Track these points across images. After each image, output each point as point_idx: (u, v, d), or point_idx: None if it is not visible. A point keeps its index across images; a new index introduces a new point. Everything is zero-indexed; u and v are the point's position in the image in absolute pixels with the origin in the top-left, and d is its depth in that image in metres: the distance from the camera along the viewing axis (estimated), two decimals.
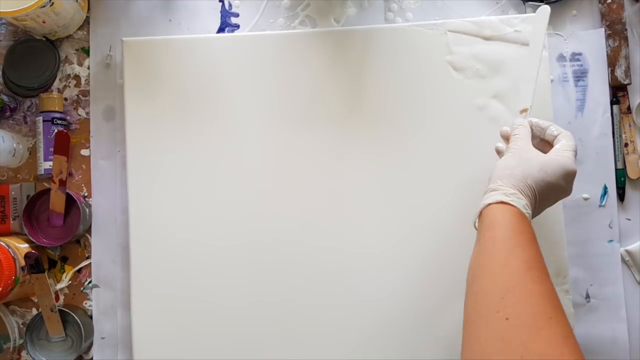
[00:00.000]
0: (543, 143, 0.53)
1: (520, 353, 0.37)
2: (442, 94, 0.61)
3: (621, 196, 0.62)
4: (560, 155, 0.50)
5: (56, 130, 0.61)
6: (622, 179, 0.62)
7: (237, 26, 0.64)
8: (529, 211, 0.47)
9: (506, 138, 0.54)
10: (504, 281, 0.42)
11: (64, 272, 0.62)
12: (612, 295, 0.61)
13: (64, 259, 0.62)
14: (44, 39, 0.63)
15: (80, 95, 0.64)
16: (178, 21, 0.64)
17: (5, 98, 0.62)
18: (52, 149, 0.60)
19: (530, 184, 0.48)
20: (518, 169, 0.49)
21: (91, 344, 0.61)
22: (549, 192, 0.49)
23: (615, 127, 0.62)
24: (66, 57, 0.64)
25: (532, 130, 0.53)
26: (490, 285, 0.42)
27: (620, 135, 0.62)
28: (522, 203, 0.47)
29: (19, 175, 0.63)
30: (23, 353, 0.61)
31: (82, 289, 0.62)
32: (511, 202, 0.46)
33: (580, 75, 0.63)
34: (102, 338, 0.61)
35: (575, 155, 0.51)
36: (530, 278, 0.41)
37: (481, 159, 0.60)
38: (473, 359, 0.39)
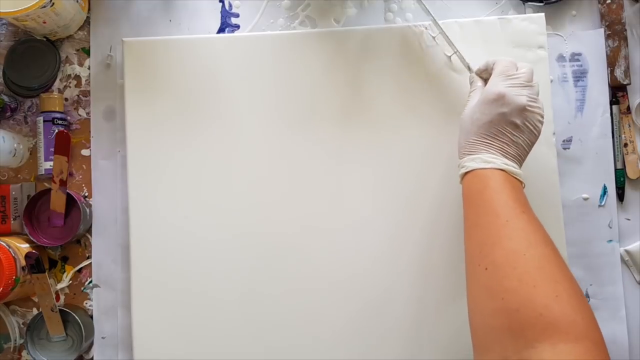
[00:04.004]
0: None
1: (500, 294, 0.41)
2: (442, 94, 0.61)
3: (621, 196, 0.62)
4: (488, 87, 0.51)
5: (57, 131, 0.61)
6: (622, 179, 0.62)
7: (238, 26, 0.64)
8: (487, 163, 0.49)
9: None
10: (479, 235, 0.46)
11: (65, 272, 0.62)
12: (611, 295, 0.61)
13: (65, 259, 0.62)
14: (45, 39, 0.63)
15: (80, 96, 0.64)
16: (178, 21, 0.65)
17: (5, 98, 0.62)
18: (52, 149, 0.61)
19: (480, 134, 0.50)
20: (469, 127, 0.51)
21: (92, 344, 0.61)
22: (500, 129, 0.49)
23: (614, 127, 0.63)
24: (67, 57, 0.64)
25: (482, 78, 0.54)
26: (469, 242, 0.48)
27: (619, 136, 0.63)
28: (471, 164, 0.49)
29: (19, 175, 0.63)
30: (23, 353, 0.61)
31: (82, 288, 0.62)
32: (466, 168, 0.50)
33: (579, 76, 0.63)
34: (103, 338, 0.61)
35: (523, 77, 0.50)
36: (503, 226, 0.45)
37: None
38: (470, 309, 0.45)
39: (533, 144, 0.51)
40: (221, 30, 0.64)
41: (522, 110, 0.49)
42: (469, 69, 0.57)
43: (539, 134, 0.51)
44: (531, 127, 0.50)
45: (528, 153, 0.51)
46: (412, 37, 0.62)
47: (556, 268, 0.42)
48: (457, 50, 0.58)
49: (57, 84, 0.64)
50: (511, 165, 0.49)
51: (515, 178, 0.49)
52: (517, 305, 0.40)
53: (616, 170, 0.62)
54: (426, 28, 0.61)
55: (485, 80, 0.54)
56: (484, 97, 0.50)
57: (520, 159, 0.50)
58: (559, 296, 0.40)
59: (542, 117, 0.50)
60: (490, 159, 0.49)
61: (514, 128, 0.49)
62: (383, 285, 0.59)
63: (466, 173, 0.50)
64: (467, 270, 0.47)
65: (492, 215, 0.46)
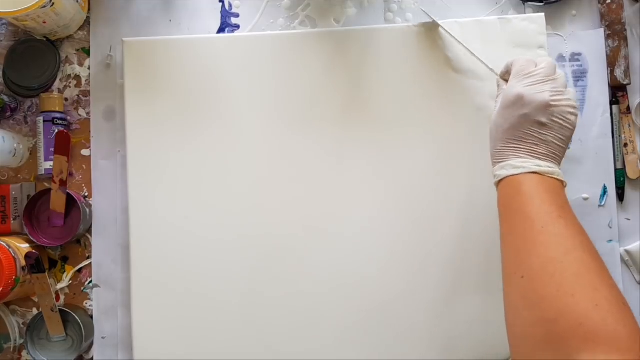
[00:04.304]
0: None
1: (538, 303, 0.40)
2: (442, 94, 0.61)
3: (621, 196, 0.62)
4: (506, 90, 0.49)
5: (57, 131, 0.61)
6: (622, 179, 0.62)
7: (238, 26, 0.64)
8: (519, 168, 0.47)
9: None
10: (514, 243, 0.45)
11: (65, 272, 0.62)
12: None
13: (65, 259, 0.62)
14: (45, 39, 0.63)
15: (80, 96, 0.64)
16: (178, 21, 0.65)
17: (5, 98, 0.62)
18: (52, 149, 0.61)
19: (506, 140, 0.48)
20: (496, 134, 0.49)
21: (92, 344, 0.61)
22: (526, 131, 0.47)
23: (614, 127, 0.63)
24: (67, 57, 0.64)
25: (506, 81, 0.52)
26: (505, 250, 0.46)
27: (619, 136, 0.63)
28: (504, 172, 0.48)
29: (19, 175, 0.63)
30: (23, 353, 0.61)
31: (82, 288, 0.62)
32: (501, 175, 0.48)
33: (579, 76, 0.63)
34: (103, 338, 0.61)
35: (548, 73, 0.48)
36: (539, 232, 0.43)
37: (481, 159, 0.60)
38: (507, 318, 0.43)
39: (568, 138, 0.48)
40: (221, 30, 0.64)
41: (546, 106, 0.47)
42: (494, 72, 0.55)
43: (574, 126, 0.48)
44: (561, 122, 0.47)
45: (565, 148, 0.48)
46: (412, 37, 0.62)
47: (595, 275, 0.40)
48: (479, 57, 0.57)
49: (57, 84, 0.64)
50: (545, 166, 0.46)
51: (553, 178, 0.46)
52: (555, 315, 0.38)
53: (616, 170, 0.62)
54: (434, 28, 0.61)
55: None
56: (504, 102, 0.49)
57: (555, 157, 0.48)
58: (598, 305, 0.38)
59: (574, 108, 0.48)
60: (519, 164, 0.47)
61: (540, 127, 0.47)
62: (384, 286, 0.59)
63: (500, 181, 0.48)
64: (504, 279, 0.45)
65: (527, 222, 0.44)
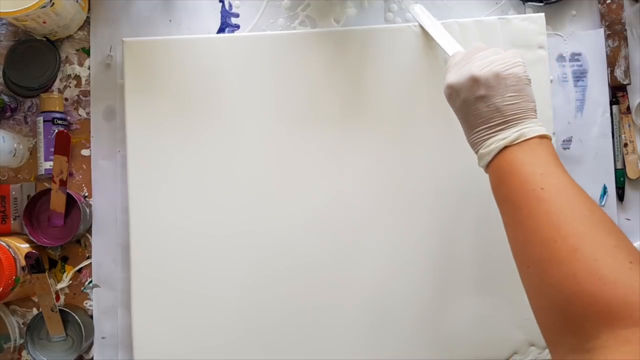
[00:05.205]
0: None
1: (545, 291, 0.38)
2: (442, 94, 0.61)
3: (620, 196, 0.62)
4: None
5: (57, 131, 0.61)
6: (622, 179, 0.62)
7: (237, 26, 0.64)
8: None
9: None
10: (511, 234, 0.43)
11: (65, 272, 0.62)
12: None
13: (65, 259, 0.62)
14: (45, 39, 0.63)
15: (80, 96, 0.64)
16: (178, 21, 0.65)
17: (5, 98, 0.62)
18: (52, 149, 0.60)
19: (466, 128, 0.47)
20: (462, 126, 0.48)
21: (92, 344, 0.61)
22: (474, 112, 0.46)
23: (614, 127, 0.63)
24: (67, 57, 0.64)
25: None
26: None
27: (619, 136, 0.63)
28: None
29: (19, 175, 0.63)
30: (23, 353, 0.61)
31: (82, 288, 0.62)
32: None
33: (579, 76, 0.63)
34: (103, 338, 0.61)
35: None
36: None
37: None
38: (532, 310, 0.40)
39: (520, 88, 0.45)
40: (221, 30, 0.64)
41: (474, 80, 0.45)
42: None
43: (518, 77, 0.45)
44: (496, 83, 0.45)
45: (528, 100, 0.45)
46: (412, 37, 0.62)
47: (592, 242, 0.37)
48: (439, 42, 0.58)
49: (57, 84, 0.64)
50: (510, 134, 0.44)
51: (524, 141, 0.43)
52: (564, 301, 0.36)
53: (616, 170, 0.62)
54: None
55: None
56: (447, 99, 0.49)
57: (519, 117, 0.44)
58: (602, 278, 0.35)
59: (507, 61, 0.45)
60: (487, 148, 0.45)
61: (483, 100, 0.45)
62: (385, 285, 0.59)
63: (486, 170, 0.46)
64: (518, 271, 0.43)
65: (515, 210, 0.42)
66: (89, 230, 0.62)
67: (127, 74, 0.61)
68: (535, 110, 0.46)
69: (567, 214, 0.39)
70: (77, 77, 0.64)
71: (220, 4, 0.65)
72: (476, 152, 0.47)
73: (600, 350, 0.34)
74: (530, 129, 0.44)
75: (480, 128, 0.46)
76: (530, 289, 0.40)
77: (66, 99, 0.64)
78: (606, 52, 0.63)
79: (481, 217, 0.60)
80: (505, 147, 0.44)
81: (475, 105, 0.46)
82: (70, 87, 0.64)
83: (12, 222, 0.62)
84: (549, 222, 0.39)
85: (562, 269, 0.37)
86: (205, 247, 0.60)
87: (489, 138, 0.45)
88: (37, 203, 0.60)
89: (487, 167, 0.46)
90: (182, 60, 0.61)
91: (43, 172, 0.62)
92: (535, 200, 0.41)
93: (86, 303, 0.62)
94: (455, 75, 0.47)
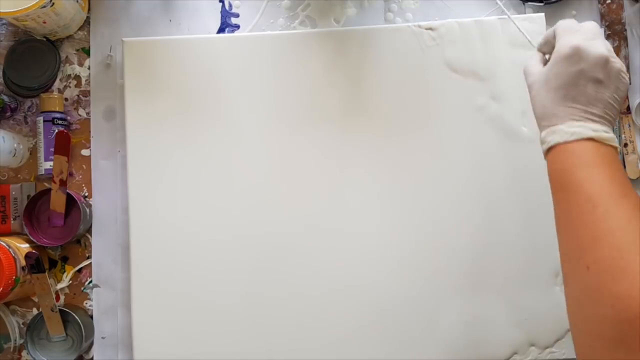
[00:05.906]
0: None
1: (609, 300, 0.36)
2: (442, 94, 0.61)
3: None
4: (558, 45, 0.45)
5: (57, 131, 0.61)
6: None
7: (237, 26, 0.64)
8: (574, 130, 0.42)
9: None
10: (575, 227, 0.40)
11: (65, 272, 0.62)
12: None
13: (65, 259, 0.62)
14: (45, 39, 0.63)
15: (80, 96, 0.64)
16: (178, 21, 0.65)
17: (5, 98, 0.62)
18: (52, 149, 0.61)
19: (558, 100, 0.44)
20: (545, 94, 0.45)
21: (92, 344, 0.61)
22: (582, 88, 0.43)
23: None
24: (67, 57, 0.64)
25: (543, 52, 0.49)
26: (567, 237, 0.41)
27: (619, 136, 0.63)
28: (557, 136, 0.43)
29: (19, 175, 0.63)
30: (23, 353, 0.61)
31: (82, 288, 0.62)
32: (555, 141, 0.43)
33: None
34: (103, 338, 0.61)
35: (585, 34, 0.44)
36: (602, 218, 0.39)
37: (481, 159, 0.60)
38: (571, 311, 0.39)
39: (622, 99, 0.44)
40: (221, 30, 0.64)
41: (605, 62, 0.43)
42: (532, 44, 0.55)
43: (627, 88, 0.44)
44: (616, 80, 0.43)
45: (618, 112, 0.44)
46: (412, 37, 0.62)
47: None
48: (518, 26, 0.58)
49: (57, 84, 0.64)
50: (601, 131, 0.42)
51: (609, 145, 0.42)
52: (631, 315, 0.34)
53: None
54: (428, 29, 0.61)
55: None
56: (557, 56, 0.44)
57: (610, 119, 0.43)
58: None
59: (625, 72, 0.44)
60: (573, 129, 0.42)
61: (597, 85, 0.43)
62: (385, 286, 0.59)
63: (550, 149, 0.43)
64: (563, 266, 0.41)
65: (587, 204, 0.39)
66: (89, 230, 0.62)
67: (127, 74, 0.61)
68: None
69: None
70: (77, 77, 0.64)
71: (220, 4, 0.65)
72: (551, 124, 0.44)
73: None
74: (613, 135, 0.43)
75: (578, 106, 0.43)
76: (583, 292, 0.38)
77: (66, 99, 0.64)
78: None
79: (482, 216, 0.60)
80: (591, 139, 0.42)
81: (587, 83, 0.43)
82: (70, 87, 0.64)
83: (12, 222, 0.62)
84: (629, 231, 0.37)
85: (638, 281, 0.35)
86: (205, 246, 0.60)
87: (578, 120, 0.43)
88: (37, 203, 0.60)
89: (552, 148, 0.43)
90: (182, 60, 0.61)
91: (43, 172, 0.62)
92: (615, 202, 0.39)
93: (86, 303, 0.62)
94: (588, 43, 0.43)
